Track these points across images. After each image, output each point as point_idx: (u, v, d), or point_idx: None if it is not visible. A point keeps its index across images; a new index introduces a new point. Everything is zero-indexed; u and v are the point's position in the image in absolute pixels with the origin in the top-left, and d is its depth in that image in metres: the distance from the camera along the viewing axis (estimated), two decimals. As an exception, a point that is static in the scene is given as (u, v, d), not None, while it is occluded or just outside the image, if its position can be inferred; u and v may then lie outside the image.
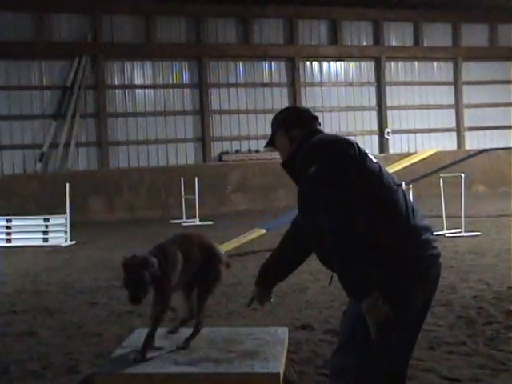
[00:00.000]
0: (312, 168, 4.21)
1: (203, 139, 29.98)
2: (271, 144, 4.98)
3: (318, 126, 4.86)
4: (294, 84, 31.12)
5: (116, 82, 29.40)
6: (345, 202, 4.07)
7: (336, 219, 4.05)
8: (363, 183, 4.17)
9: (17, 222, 19.71)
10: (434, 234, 4.39)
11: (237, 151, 30.20)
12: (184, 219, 23.74)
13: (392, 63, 33.53)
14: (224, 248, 14.25)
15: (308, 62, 31.97)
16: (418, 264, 4.19)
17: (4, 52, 27.52)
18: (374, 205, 4.16)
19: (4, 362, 7.31)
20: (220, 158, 29.93)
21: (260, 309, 9.11)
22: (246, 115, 30.70)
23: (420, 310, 4.46)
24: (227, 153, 30.05)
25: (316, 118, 4.93)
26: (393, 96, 33.45)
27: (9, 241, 19.20)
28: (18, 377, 6.82)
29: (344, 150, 4.30)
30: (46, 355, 7.52)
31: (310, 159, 4.31)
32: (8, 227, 19.48)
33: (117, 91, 29.37)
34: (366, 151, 4.38)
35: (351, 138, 4.43)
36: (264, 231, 15.21)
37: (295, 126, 4.78)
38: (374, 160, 4.40)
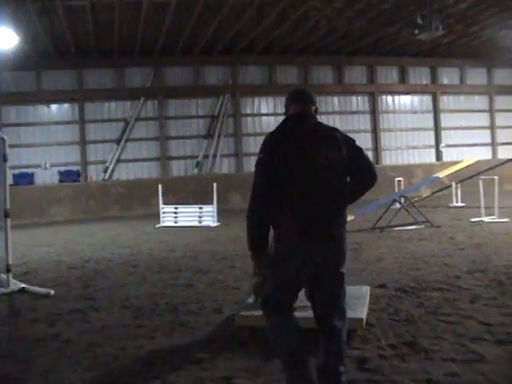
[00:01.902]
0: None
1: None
2: None
3: (295, 108, 4.60)
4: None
5: (248, 112, 29.68)
6: (260, 188, 4.21)
7: (252, 195, 4.23)
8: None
9: (181, 209, 20.15)
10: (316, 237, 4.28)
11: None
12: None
13: None
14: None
15: None
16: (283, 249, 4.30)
17: (171, 93, 28.30)
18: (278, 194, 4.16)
19: (174, 304, 7.61)
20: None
21: (351, 272, 9.16)
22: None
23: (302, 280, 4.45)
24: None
25: (297, 100, 4.65)
26: None
27: (176, 222, 19.65)
28: (183, 314, 7.13)
29: (267, 148, 4.27)
30: (201, 301, 7.80)
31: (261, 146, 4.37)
32: (175, 213, 19.95)
33: (248, 118, 29.66)
34: (297, 149, 4.26)
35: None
36: (353, 217, 15.08)
37: (285, 106, 4.78)
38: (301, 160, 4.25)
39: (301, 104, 4.61)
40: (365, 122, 30.98)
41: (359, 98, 31.13)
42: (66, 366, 5.40)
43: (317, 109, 4.67)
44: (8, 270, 9.24)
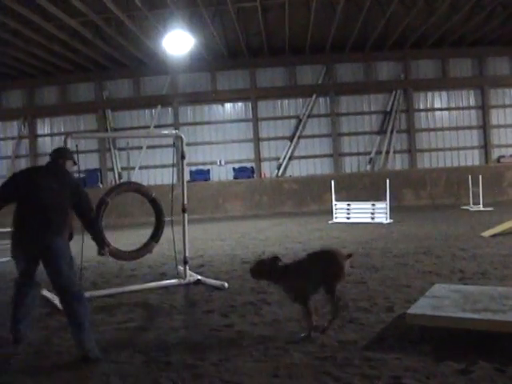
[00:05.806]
0: None
1: (486, 146, 28.74)
2: None
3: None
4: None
5: (421, 107, 29.00)
6: None
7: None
8: None
9: (353, 205, 20.13)
10: None
11: (511, 155, 28.59)
12: (471, 206, 22.86)
13: None
14: (499, 229, 13.56)
15: None
16: None
17: (343, 90, 28.33)
18: None
19: (345, 300, 7.44)
20: (498, 161, 28.50)
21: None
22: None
23: None
24: (504, 156, 28.51)
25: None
26: None
27: (348, 218, 19.64)
28: (354, 310, 7.06)
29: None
30: (372, 298, 7.71)
31: None
32: (348, 209, 19.95)
33: (421, 113, 28.97)
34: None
35: None
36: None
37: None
38: None
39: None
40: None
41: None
42: (237, 356, 5.50)
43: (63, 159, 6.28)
44: (185, 263, 9.67)
